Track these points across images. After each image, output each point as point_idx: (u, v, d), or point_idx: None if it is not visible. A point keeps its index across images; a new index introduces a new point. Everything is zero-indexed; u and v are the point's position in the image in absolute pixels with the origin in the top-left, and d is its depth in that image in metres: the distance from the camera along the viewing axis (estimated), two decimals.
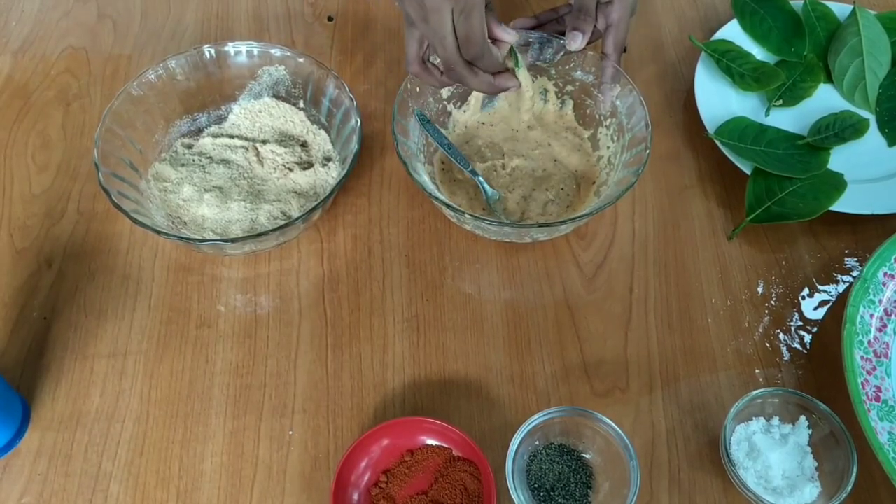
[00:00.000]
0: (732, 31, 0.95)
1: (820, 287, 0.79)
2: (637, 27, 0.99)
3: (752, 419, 0.67)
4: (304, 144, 0.85)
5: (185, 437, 0.69)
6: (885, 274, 0.73)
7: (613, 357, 0.74)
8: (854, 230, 0.83)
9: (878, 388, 0.69)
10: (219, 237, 0.77)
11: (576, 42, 0.77)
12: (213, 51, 0.83)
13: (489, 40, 0.70)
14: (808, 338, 0.76)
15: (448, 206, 0.73)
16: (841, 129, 0.87)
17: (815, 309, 0.78)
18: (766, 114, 0.90)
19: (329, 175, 0.81)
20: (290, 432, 0.70)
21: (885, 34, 0.92)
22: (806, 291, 0.79)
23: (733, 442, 0.66)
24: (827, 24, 0.95)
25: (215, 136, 0.85)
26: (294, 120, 0.86)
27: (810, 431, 0.66)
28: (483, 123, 0.87)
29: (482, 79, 0.71)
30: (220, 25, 0.99)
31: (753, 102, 0.91)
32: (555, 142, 0.85)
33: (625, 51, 0.88)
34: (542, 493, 0.65)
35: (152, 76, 0.81)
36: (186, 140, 0.85)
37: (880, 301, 0.73)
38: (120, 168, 0.76)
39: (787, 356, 0.75)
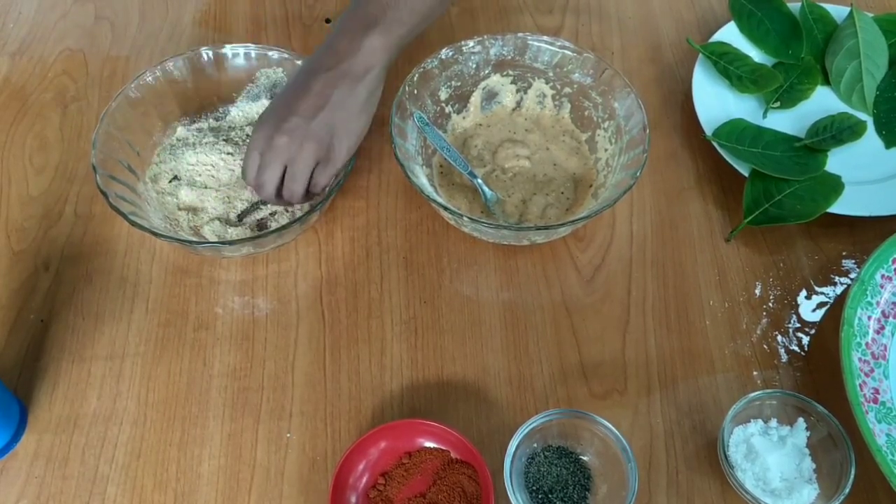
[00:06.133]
0: (730, 34, 0.95)
1: (818, 289, 0.79)
2: (635, 29, 0.99)
3: (750, 421, 0.67)
4: None
5: (182, 440, 0.69)
6: (882, 276, 0.73)
7: (611, 359, 0.74)
8: (852, 232, 0.83)
9: (876, 390, 0.69)
10: (217, 239, 0.77)
11: None
12: (210, 53, 0.83)
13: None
14: (805, 340, 0.76)
15: (446, 208, 0.73)
16: (838, 131, 0.87)
17: (813, 311, 0.78)
18: (764, 116, 0.90)
19: None
20: (288, 435, 0.70)
21: (882, 36, 0.92)
22: (804, 293, 0.79)
23: (731, 444, 0.66)
24: (824, 26, 0.95)
25: None
26: None
27: (808, 433, 0.66)
28: (480, 125, 0.87)
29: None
30: (217, 27, 0.99)
31: (751, 104, 0.91)
32: (553, 145, 0.85)
33: None
34: (540, 496, 0.65)
35: (150, 78, 0.81)
36: None
37: (878, 303, 0.73)
38: (117, 170, 0.76)
39: (784, 358, 0.75)
